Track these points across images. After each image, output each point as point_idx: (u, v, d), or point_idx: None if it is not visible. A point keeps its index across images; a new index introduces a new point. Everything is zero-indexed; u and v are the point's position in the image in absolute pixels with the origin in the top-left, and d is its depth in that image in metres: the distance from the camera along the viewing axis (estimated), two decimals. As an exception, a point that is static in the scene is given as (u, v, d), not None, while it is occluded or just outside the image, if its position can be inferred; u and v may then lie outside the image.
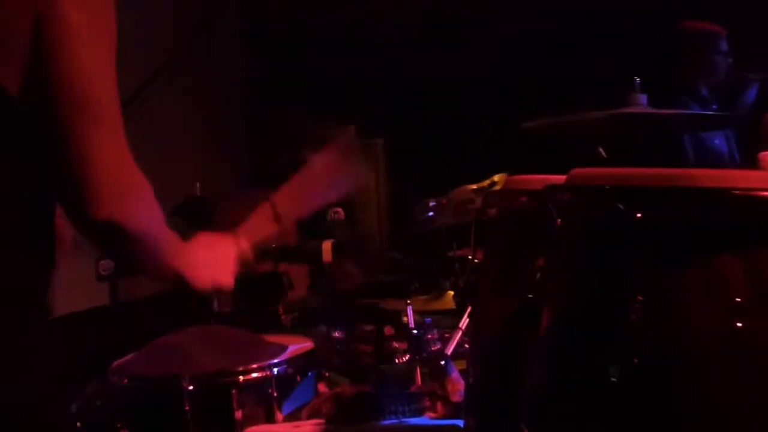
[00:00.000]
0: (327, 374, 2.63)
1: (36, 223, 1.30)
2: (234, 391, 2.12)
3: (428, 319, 2.79)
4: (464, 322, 2.64)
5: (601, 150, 2.80)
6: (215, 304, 3.06)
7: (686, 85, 3.81)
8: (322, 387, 2.54)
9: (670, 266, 1.32)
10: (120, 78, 1.32)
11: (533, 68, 4.75)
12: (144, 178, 1.36)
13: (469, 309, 2.67)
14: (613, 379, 1.32)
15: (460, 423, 2.20)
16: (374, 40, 5.02)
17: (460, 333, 2.64)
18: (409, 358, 2.69)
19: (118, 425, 2.21)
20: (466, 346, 2.58)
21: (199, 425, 2.14)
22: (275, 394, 2.16)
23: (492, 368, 1.70)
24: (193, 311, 2.95)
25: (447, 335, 2.70)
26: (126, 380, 2.24)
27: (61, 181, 1.28)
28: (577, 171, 1.49)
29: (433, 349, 2.69)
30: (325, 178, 1.72)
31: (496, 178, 3.15)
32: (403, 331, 2.70)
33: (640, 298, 1.32)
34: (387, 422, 2.32)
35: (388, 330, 2.69)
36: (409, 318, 2.73)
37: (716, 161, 3.72)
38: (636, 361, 1.32)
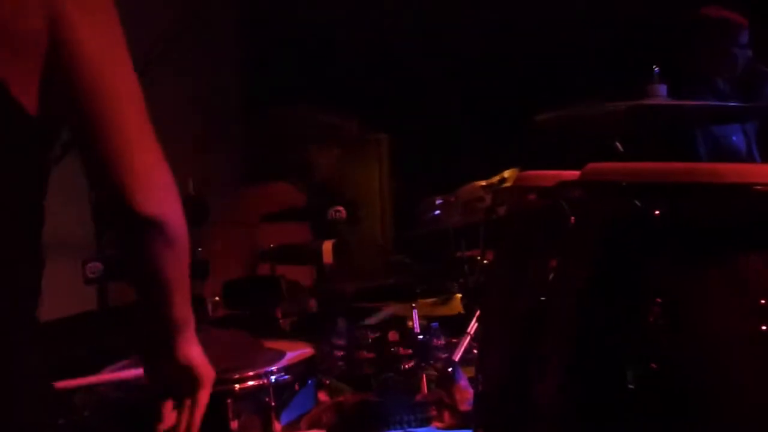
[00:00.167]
0: (328, 382, 2.63)
1: (32, 228, 1.31)
2: (229, 401, 2.11)
3: (435, 324, 2.79)
4: (473, 326, 2.65)
5: (618, 144, 2.79)
6: (210, 309, 3.06)
7: (702, 77, 3.73)
8: (322, 395, 2.54)
9: (690, 267, 1.32)
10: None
11: (545, 59, 4.74)
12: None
13: (478, 313, 2.67)
14: (631, 387, 1.32)
15: (469, 433, 2.20)
16: (379, 30, 5.02)
17: (468, 338, 2.64)
18: (414, 365, 2.69)
19: (108, 437, 2.21)
20: (475, 351, 2.59)
21: (193, 436, 2.14)
22: (273, 403, 2.15)
23: (503, 375, 1.70)
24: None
25: (455, 341, 2.70)
26: (116, 390, 2.24)
27: (106, 179, 1.30)
28: (592, 166, 1.49)
29: (440, 355, 2.69)
30: None
31: (506, 174, 3.16)
32: (408, 336, 2.70)
33: (659, 300, 1.32)
34: (391, 433, 2.32)
35: (393, 335, 2.68)
36: (415, 322, 2.73)
37: (734, 159, 3.66)
38: (654, 366, 1.32)
